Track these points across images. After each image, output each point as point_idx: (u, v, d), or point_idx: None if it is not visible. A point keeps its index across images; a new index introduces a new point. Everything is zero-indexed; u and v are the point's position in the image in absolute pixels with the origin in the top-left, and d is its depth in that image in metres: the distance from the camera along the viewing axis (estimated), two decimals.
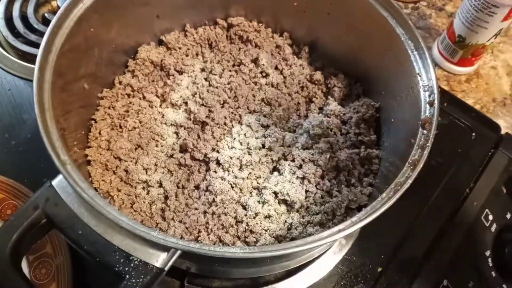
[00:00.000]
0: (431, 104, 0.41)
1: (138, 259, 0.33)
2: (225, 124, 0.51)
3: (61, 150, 0.35)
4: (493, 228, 0.54)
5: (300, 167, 0.48)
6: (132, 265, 0.32)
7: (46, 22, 0.65)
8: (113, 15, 0.48)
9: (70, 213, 0.34)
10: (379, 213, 0.34)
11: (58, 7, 0.66)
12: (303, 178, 0.47)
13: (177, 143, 0.50)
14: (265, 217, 0.45)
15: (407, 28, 0.44)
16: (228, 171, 0.48)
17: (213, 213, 0.45)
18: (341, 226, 0.34)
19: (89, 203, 0.32)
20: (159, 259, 0.33)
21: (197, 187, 0.48)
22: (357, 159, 0.48)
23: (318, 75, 0.55)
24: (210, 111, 0.52)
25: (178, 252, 0.33)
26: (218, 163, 0.48)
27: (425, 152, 0.38)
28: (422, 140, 0.39)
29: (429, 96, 0.42)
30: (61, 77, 0.41)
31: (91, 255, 0.33)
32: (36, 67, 0.38)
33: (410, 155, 0.39)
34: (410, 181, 0.37)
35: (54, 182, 0.35)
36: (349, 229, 0.33)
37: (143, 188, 0.47)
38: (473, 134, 0.61)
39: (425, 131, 0.40)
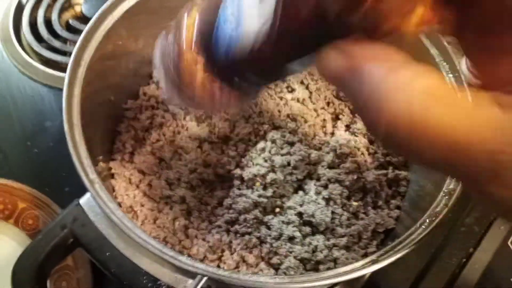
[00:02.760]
0: None
1: (166, 285, 0.32)
2: (249, 140, 0.50)
3: (90, 168, 0.35)
4: None
5: (325, 187, 0.47)
6: None
7: (70, 28, 0.64)
8: (141, 26, 0.47)
9: (98, 234, 0.33)
10: (414, 246, 0.33)
11: (82, 13, 0.66)
12: (329, 199, 0.46)
13: (200, 158, 0.49)
14: (290, 238, 0.44)
15: (443, 49, 0.43)
16: (252, 188, 0.47)
17: (237, 232, 0.44)
18: (373, 257, 0.33)
19: (117, 225, 0.32)
20: (187, 285, 0.32)
21: (220, 204, 0.47)
22: (384, 181, 0.47)
23: None
24: (234, 125, 0.51)
25: (206, 278, 0.32)
26: (242, 180, 0.48)
27: None
28: None
29: None
30: (90, 86, 0.41)
31: (119, 278, 0.32)
32: (65, 82, 0.37)
33: (445, 183, 0.38)
34: (445, 211, 0.36)
35: (82, 201, 0.34)
36: (384, 261, 0.32)
37: (166, 203, 0.46)
38: None
39: None
